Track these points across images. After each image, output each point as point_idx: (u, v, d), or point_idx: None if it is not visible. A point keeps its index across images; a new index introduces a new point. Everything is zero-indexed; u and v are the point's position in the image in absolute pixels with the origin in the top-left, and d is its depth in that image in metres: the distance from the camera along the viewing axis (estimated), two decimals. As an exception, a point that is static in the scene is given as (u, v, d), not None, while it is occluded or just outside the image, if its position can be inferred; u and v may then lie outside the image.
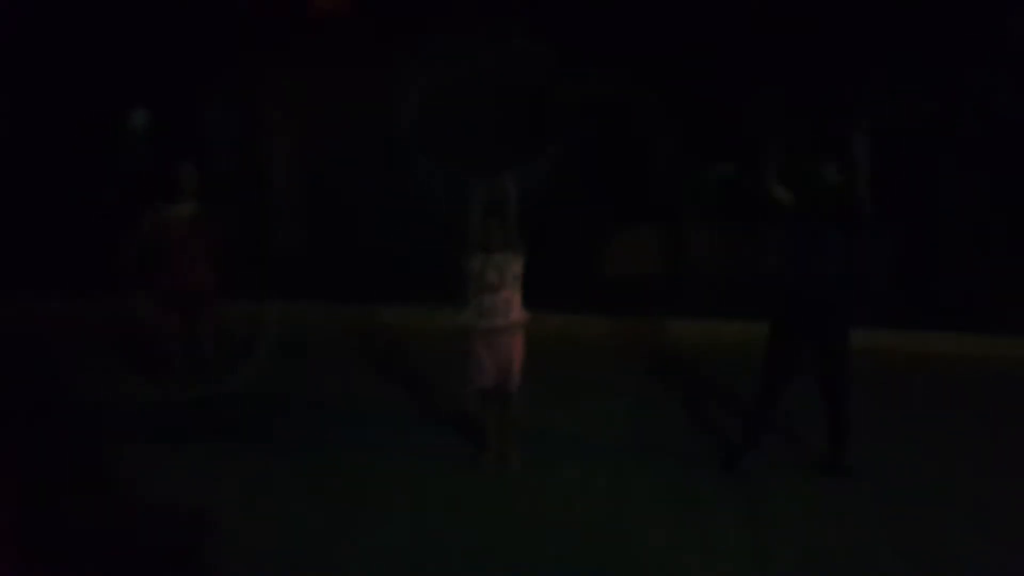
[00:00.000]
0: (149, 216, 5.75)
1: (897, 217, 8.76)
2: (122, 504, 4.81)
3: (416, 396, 6.51)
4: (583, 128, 8.36)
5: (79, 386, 6.58)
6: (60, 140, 9.10)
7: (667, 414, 6.29)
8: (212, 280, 5.87)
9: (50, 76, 9.06)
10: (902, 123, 8.57)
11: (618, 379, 7.00)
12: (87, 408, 6.15)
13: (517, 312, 5.13)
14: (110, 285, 8.01)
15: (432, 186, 5.62)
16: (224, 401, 5.88)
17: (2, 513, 4.65)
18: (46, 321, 8.05)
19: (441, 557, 4.36)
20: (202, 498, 4.85)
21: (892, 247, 8.86)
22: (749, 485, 5.17)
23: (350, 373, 6.96)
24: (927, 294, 8.44)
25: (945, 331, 7.82)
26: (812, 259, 5.11)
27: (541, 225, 5.41)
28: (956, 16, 8.06)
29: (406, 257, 8.48)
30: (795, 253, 5.18)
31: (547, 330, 6.29)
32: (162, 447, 5.45)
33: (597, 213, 8.91)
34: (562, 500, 4.96)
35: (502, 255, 5.05)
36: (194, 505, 4.75)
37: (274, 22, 8.70)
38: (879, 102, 8.53)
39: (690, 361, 7.46)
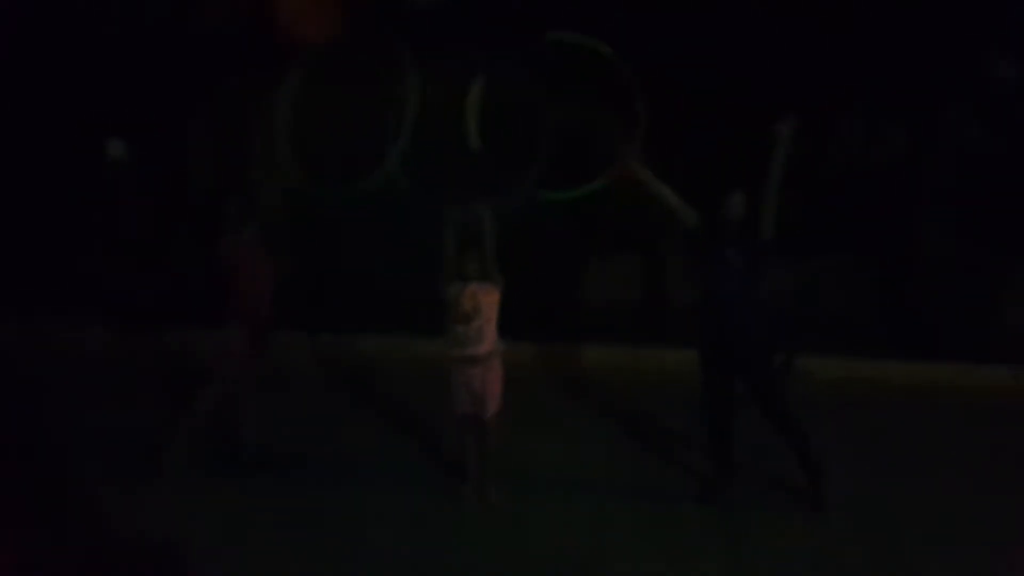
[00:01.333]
0: (226, 245, 5.48)
1: (874, 248, 8.90)
2: (94, 534, 4.76)
3: (398, 427, 6.48)
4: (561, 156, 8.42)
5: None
6: (37, 166, 9.05)
7: (648, 445, 6.28)
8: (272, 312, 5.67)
9: (30, 99, 9.03)
10: (878, 156, 8.71)
11: (597, 409, 7.00)
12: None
13: (491, 342, 5.14)
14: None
15: (413, 212, 5.63)
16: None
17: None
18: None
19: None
20: (179, 533, 4.80)
21: (869, 277, 8.95)
22: (731, 518, 5.17)
23: (330, 403, 6.92)
24: (904, 323, 8.51)
25: (923, 360, 7.87)
26: (717, 285, 5.14)
27: (518, 253, 5.43)
28: (931, 52, 8.18)
29: (387, 285, 8.47)
30: (704, 280, 5.23)
31: (525, 360, 6.31)
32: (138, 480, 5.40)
33: (571, 241, 8.94)
34: (543, 533, 4.95)
35: (478, 284, 5.08)
36: (165, 539, 4.69)
37: (254, 49, 8.72)
38: (855, 135, 8.67)
39: (670, 390, 7.47)
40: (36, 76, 8.99)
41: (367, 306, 8.36)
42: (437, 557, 4.68)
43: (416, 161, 5.44)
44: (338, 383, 7.40)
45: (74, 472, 5.53)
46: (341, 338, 8.11)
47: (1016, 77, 8.33)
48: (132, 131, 9.03)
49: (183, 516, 4.99)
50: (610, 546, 4.81)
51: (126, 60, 8.89)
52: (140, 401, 6.74)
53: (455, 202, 5.15)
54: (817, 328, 7.80)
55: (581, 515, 5.18)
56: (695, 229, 5.24)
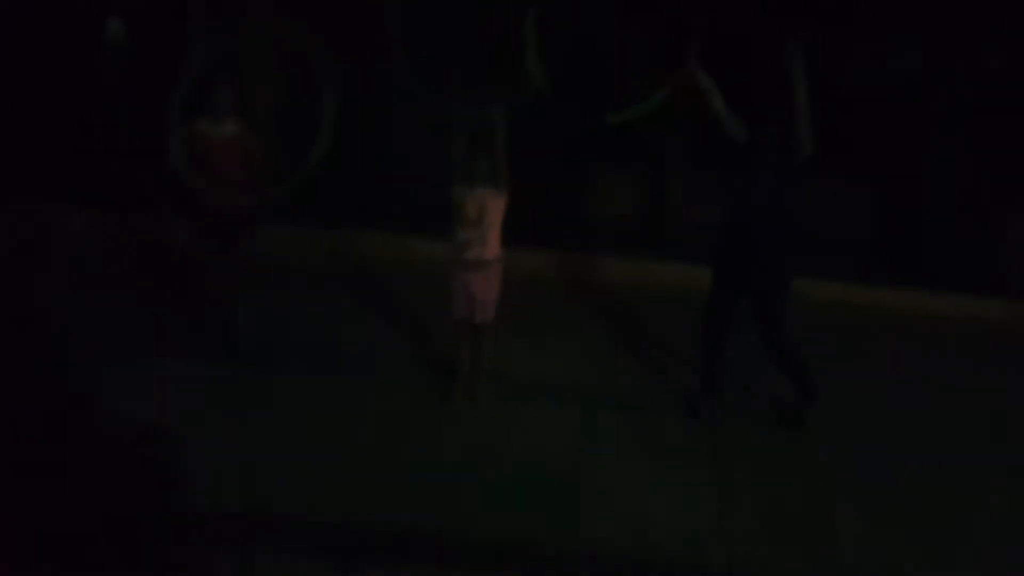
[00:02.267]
0: (188, 133, 5.36)
1: (880, 173, 8.80)
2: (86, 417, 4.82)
3: (395, 326, 6.50)
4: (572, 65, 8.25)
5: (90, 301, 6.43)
6: (37, 52, 8.81)
7: (637, 357, 6.33)
8: (252, 204, 5.56)
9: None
10: (889, 78, 8.52)
11: (590, 320, 7.03)
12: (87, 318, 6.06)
13: (493, 249, 5.11)
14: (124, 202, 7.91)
15: (425, 112, 5.52)
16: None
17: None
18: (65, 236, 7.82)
19: (403, 485, 4.44)
20: (170, 417, 4.86)
21: (873, 203, 8.88)
22: (715, 432, 5.25)
23: (330, 306, 6.92)
24: (903, 251, 8.48)
25: (919, 289, 7.87)
26: (748, 202, 5.06)
27: (523, 161, 5.34)
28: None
29: (396, 184, 8.39)
30: (735, 196, 5.15)
31: (523, 268, 6.29)
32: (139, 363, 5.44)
33: (577, 153, 8.82)
34: (528, 437, 5.03)
35: (484, 189, 5.00)
36: (152, 422, 4.74)
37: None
38: (868, 57, 8.46)
39: (664, 304, 7.49)
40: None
41: (373, 205, 8.28)
42: (419, 454, 4.76)
43: (427, 60, 5.30)
44: (339, 280, 7.38)
45: (71, 350, 5.55)
46: (344, 235, 8.06)
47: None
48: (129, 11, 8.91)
49: (170, 399, 5.03)
50: (593, 453, 4.90)
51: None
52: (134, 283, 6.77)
53: (467, 101, 5.02)
54: (815, 250, 7.75)
55: (567, 423, 5.25)
56: (739, 143, 5.10)
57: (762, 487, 4.74)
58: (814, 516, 4.50)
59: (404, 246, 7.90)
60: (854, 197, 8.69)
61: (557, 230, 8.07)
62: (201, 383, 5.31)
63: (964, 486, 4.85)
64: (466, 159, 5.00)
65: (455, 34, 8.01)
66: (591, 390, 5.72)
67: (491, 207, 5.02)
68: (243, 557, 3.88)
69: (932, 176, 8.62)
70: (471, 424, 5.15)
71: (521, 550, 4.04)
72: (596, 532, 4.23)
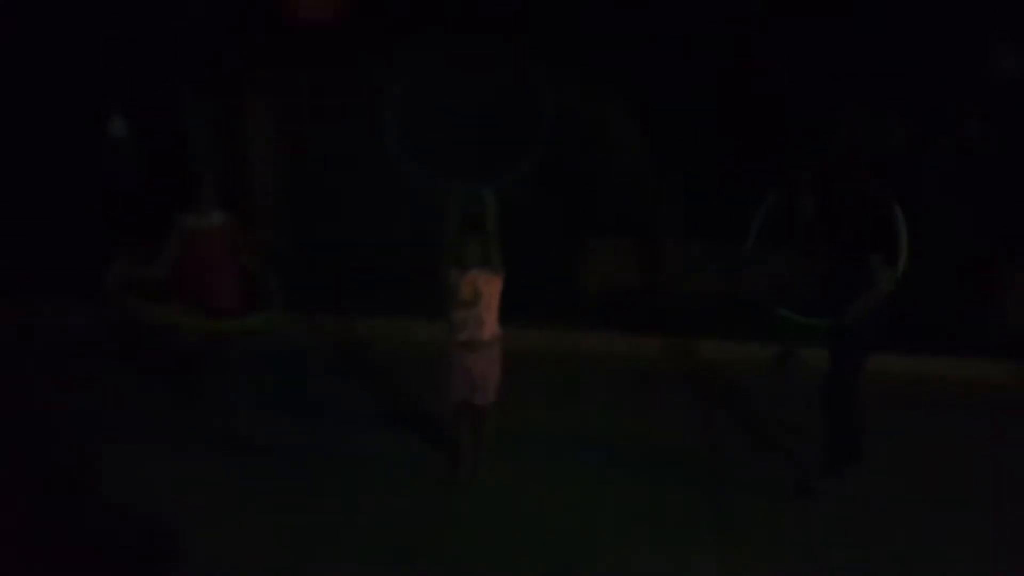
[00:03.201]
0: (179, 229, 5.48)
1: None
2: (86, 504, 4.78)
3: (398, 409, 6.49)
4: (562, 140, 8.41)
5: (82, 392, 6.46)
6: (39, 145, 9.01)
7: (642, 432, 6.29)
8: (239, 296, 5.63)
9: (25, 80, 8.98)
10: (878, 151, 8.68)
11: (593, 394, 7.01)
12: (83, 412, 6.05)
13: (491, 329, 5.12)
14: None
15: (416, 196, 5.63)
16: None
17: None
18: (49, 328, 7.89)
19: (412, 569, 4.36)
20: (172, 503, 4.81)
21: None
22: (724, 503, 5.19)
23: (331, 386, 6.92)
24: (903, 317, 8.49)
25: (922, 355, 7.87)
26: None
27: (519, 238, 5.41)
28: (933, 48, 8.16)
29: (389, 268, 8.46)
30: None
31: (525, 345, 6.31)
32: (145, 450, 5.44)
33: (574, 226, 8.93)
34: (534, 515, 4.96)
35: (478, 271, 5.04)
36: (155, 510, 4.71)
37: (256, 27, 8.68)
38: (855, 130, 8.63)
39: (665, 377, 7.50)
40: (33, 58, 8.94)
41: (368, 288, 8.34)
42: (427, 537, 4.72)
43: (419, 143, 5.42)
44: (336, 364, 7.38)
45: (76, 445, 5.53)
46: (341, 319, 8.10)
47: (1017, 72, 8.29)
48: (130, 111, 9.15)
49: (175, 492, 4.99)
50: (600, 530, 4.83)
51: (124, 40, 8.85)
52: (136, 379, 6.75)
53: (458, 184, 5.10)
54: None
55: (570, 498, 5.21)
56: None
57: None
58: None
59: (403, 329, 7.93)
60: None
61: (555, 305, 8.12)
62: (204, 475, 5.27)
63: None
64: (458, 241, 5.05)
65: (447, 117, 8.19)
66: (595, 463, 5.68)
67: (485, 288, 5.04)
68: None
69: (928, 242, 8.70)
70: (475, 504, 5.08)
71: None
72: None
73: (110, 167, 9.15)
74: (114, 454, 5.42)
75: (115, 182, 9.09)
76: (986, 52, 8.35)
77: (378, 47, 6.93)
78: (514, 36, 7.06)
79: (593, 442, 6.05)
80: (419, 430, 6.10)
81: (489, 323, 5.11)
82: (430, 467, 5.52)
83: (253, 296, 5.62)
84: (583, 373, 7.48)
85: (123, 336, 7.38)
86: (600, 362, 7.70)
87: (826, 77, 8.22)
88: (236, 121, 8.67)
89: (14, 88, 8.85)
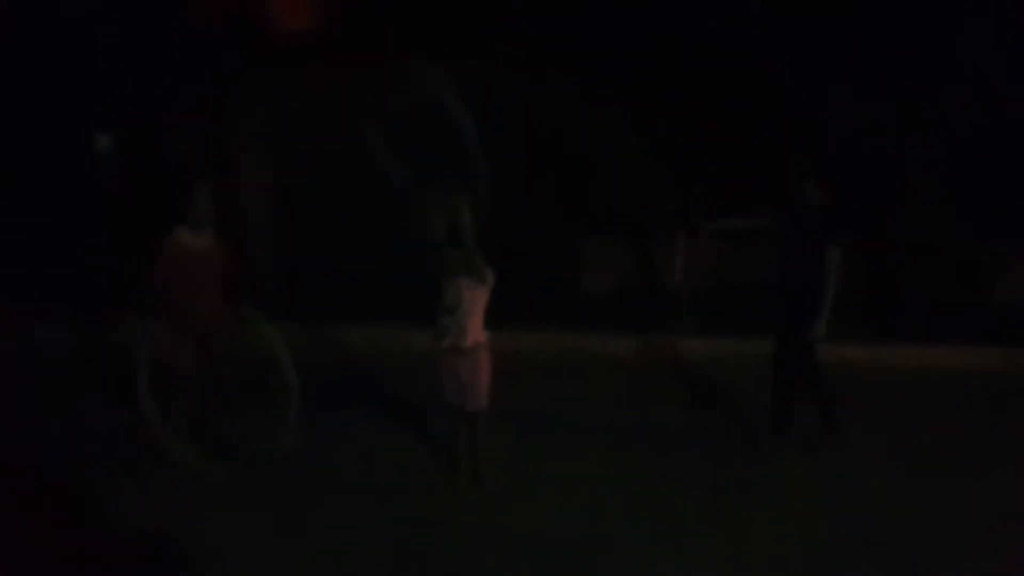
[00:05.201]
0: (169, 245, 5.34)
1: (863, 232, 8.91)
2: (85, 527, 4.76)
3: (392, 417, 6.48)
4: (549, 142, 8.45)
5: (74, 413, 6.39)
6: (25, 161, 8.99)
7: (638, 434, 6.28)
8: (225, 314, 5.50)
9: (13, 97, 8.96)
10: (862, 140, 8.73)
11: (587, 397, 7.02)
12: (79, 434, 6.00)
13: (475, 334, 5.11)
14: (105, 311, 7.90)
15: (400, 204, 5.63)
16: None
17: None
18: (39, 347, 7.87)
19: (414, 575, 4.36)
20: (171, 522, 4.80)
21: (859, 262, 8.96)
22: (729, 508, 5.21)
23: (323, 394, 6.90)
24: (886, 307, 8.55)
25: (913, 344, 7.91)
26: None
27: (510, 242, 5.41)
28: (915, 35, 8.21)
29: (378, 276, 8.46)
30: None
31: (516, 347, 6.32)
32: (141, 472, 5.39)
33: (566, 228, 8.95)
34: (536, 518, 4.97)
35: (462, 278, 5.04)
36: (157, 534, 4.69)
37: (240, 43, 8.68)
38: (840, 119, 8.68)
39: (664, 376, 7.52)
40: (21, 75, 8.93)
41: (358, 297, 8.34)
42: (429, 543, 4.68)
43: (403, 152, 5.41)
44: (331, 372, 7.37)
45: (68, 466, 5.50)
46: (335, 328, 8.09)
47: (1002, 59, 8.35)
48: (116, 126, 9.13)
49: (167, 509, 4.97)
50: (604, 536, 4.84)
51: (112, 55, 8.83)
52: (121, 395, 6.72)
53: (436, 191, 5.09)
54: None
55: (571, 500, 5.19)
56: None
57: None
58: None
59: (397, 336, 7.93)
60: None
61: (548, 307, 8.14)
62: (201, 488, 5.26)
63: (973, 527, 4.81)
64: (441, 249, 5.06)
65: (430, 121, 8.20)
66: (594, 467, 5.66)
67: (467, 295, 5.03)
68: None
69: (915, 232, 8.76)
70: (476, 511, 5.08)
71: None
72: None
73: (97, 180, 9.14)
74: (108, 469, 5.40)
75: (102, 195, 9.08)
76: (972, 42, 8.40)
77: (363, 58, 6.94)
78: (508, 42, 7.10)
79: (594, 442, 6.05)
80: (416, 436, 6.09)
81: (472, 330, 5.09)
82: (428, 472, 5.51)
83: (236, 313, 5.55)
84: (582, 372, 7.50)
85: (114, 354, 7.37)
86: (599, 361, 7.72)
87: (817, 71, 8.27)
88: (223, 134, 8.66)
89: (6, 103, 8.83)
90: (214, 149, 8.95)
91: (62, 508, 4.99)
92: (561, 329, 8.19)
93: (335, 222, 8.72)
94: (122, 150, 9.23)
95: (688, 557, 4.57)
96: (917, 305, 8.41)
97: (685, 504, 5.16)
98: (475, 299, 5.05)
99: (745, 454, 5.84)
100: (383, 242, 8.57)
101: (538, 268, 8.26)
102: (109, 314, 7.93)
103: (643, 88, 8.28)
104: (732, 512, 5.07)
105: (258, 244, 9.01)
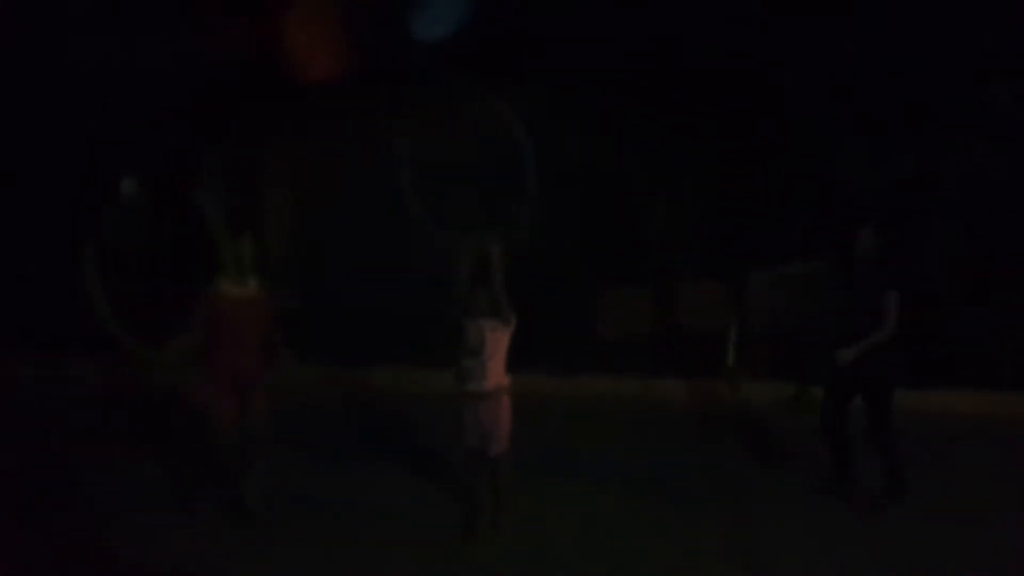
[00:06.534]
0: (209, 296, 5.11)
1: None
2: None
3: (411, 461, 6.46)
4: (571, 189, 8.52)
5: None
6: (51, 208, 9.14)
7: (660, 478, 6.23)
8: (267, 365, 5.26)
9: (40, 144, 9.15)
10: (885, 184, 8.74)
11: (610, 441, 6.98)
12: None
13: (498, 377, 5.10)
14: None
15: (425, 246, 5.69)
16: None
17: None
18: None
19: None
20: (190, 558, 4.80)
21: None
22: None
23: (348, 437, 6.91)
24: (917, 351, 8.46)
25: (938, 388, 7.83)
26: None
27: (530, 286, 5.44)
28: (936, 80, 8.25)
29: (400, 318, 8.50)
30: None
31: (538, 392, 6.30)
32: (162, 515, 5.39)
33: (586, 274, 8.98)
34: (556, 565, 4.92)
35: (486, 320, 5.05)
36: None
37: (265, 88, 8.84)
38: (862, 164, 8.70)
39: (685, 421, 7.47)
40: (44, 115, 9.12)
41: (380, 339, 8.38)
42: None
43: (431, 194, 5.47)
44: (354, 416, 7.38)
45: (94, 507, 5.52)
46: (357, 371, 8.11)
47: (1020, 93, 8.38)
48: (141, 169, 9.27)
49: (194, 553, 4.97)
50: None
51: (134, 95, 9.01)
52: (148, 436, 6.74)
53: (466, 233, 5.14)
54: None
55: (594, 547, 5.13)
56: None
57: None
58: None
59: (419, 379, 7.94)
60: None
61: (568, 352, 8.13)
62: (221, 537, 5.25)
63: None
64: (467, 291, 5.08)
65: (457, 169, 8.30)
66: (617, 511, 5.63)
67: (490, 337, 5.04)
68: None
69: (939, 274, 8.72)
70: (496, 557, 5.03)
71: None
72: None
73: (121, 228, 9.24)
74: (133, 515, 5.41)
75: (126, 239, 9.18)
76: (987, 78, 8.43)
77: (386, 104, 7.06)
78: (527, 86, 7.18)
79: (615, 488, 6.00)
80: (437, 481, 6.05)
81: (494, 373, 5.09)
82: (449, 519, 5.47)
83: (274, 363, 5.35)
84: (600, 417, 7.47)
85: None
86: (615, 405, 7.69)
87: (833, 112, 8.32)
88: (249, 181, 8.78)
89: (33, 154, 9.01)
90: (238, 194, 9.08)
91: (94, 547, 5.01)
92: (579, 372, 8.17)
93: (357, 263, 8.80)
94: (147, 195, 9.35)
95: None
96: (940, 350, 8.34)
97: (708, 551, 5.10)
98: (498, 341, 5.05)
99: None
100: (403, 283, 8.65)
101: (562, 312, 8.29)
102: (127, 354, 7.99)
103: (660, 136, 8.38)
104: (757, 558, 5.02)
105: (281, 287, 9.07)
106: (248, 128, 8.86)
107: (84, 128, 8.98)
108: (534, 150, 5.21)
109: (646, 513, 5.62)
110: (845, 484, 5.77)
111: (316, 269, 9.35)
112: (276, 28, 8.53)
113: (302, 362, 5.65)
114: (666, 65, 8.18)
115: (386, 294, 8.65)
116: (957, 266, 8.69)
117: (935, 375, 7.90)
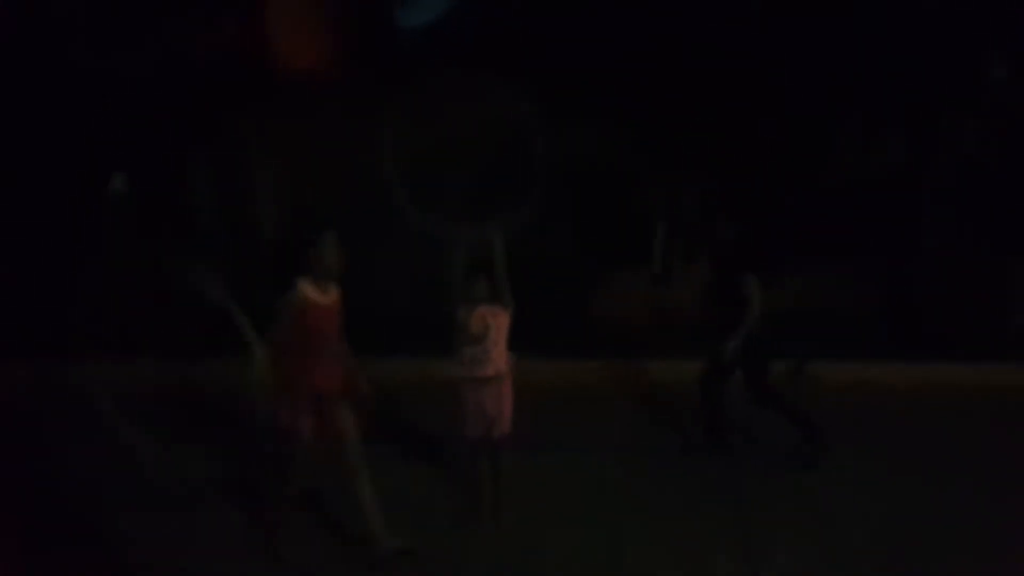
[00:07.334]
0: (294, 301, 4.53)
1: (880, 253, 8.94)
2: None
3: (410, 450, 6.47)
4: (568, 175, 8.52)
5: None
6: (43, 204, 9.09)
7: (665, 464, 6.24)
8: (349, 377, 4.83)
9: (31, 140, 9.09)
10: (880, 162, 8.78)
11: (610, 425, 7.00)
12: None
13: (496, 364, 5.12)
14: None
15: (421, 237, 5.67)
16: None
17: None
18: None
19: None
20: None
21: (876, 282, 8.99)
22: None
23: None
24: (911, 326, 8.55)
25: (931, 362, 7.90)
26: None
27: (529, 270, 5.45)
28: (931, 65, 8.28)
29: (397, 308, 8.49)
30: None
31: (537, 377, 6.27)
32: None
33: (584, 257, 8.99)
34: (560, 552, 4.94)
35: (487, 306, 5.07)
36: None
37: (253, 83, 8.79)
38: (858, 142, 8.74)
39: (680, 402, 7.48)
40: (36, 112, 9.06)
41: (378, 329, 8.36)
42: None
43: (425, 184, 5.47)
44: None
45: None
46: (359, 361, 8.09)
47: (1014, 81, 8.42)
48: (132, 166, 9.23)
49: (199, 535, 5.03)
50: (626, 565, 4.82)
51: (125, 95, 8.96)
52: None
53: (464, 223, 5.16)
54: (826, 333, 7.83)
55: (595, 535, 5.16)
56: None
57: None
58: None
59: (418, 368, 7.93)
60: (857, 279, 8.85)
61: (567, 336, 8.14)
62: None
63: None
64: (466, 278, 5.10)
65: (451, 159, 8.27)
66: (618, 498, 5.67)
67: (495, 323, 5.07)
68: None
69: (932, 250, 8.79)
70: (499, 541, 5.06)
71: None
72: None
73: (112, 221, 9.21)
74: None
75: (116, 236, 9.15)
76: (983, 61, 8.47)
77: (380, 94, 7.02)
78: (519, 76, 7.18)
79: (617, 471, 6.04)
80: (437, 469, 6.07)
81: (496, 358, 5.12)
82: (448, 504, 5.48)
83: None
84: (600, 400, 7.49)
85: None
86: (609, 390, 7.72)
87: (828, 96, 8.35)
88: (240, 174, 8.75)
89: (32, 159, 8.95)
90: (231, 188, 9.05)
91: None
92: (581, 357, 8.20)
93: (357, 257, 8.78)
94: (137, 191, 9.32)
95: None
96: (938, 322, 8.41)
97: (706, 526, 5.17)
98: (500, 327, 5.08)
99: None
100: (400, 274, 8.63)
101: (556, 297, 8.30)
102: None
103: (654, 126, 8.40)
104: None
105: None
106: (240, 124, 8.81)
107: (84, 128, 8.92)
108: (537, 138, 5.22)
109: (646, 496, 5.66)
110: (710, 445, 6.15)
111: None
112: (265, 20, 8.49)
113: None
114: (659, 49, 8.21)
115: (383, 286, 8.63)
116: (952, 250, 8.76)
117: (928, 350, 7.98)
